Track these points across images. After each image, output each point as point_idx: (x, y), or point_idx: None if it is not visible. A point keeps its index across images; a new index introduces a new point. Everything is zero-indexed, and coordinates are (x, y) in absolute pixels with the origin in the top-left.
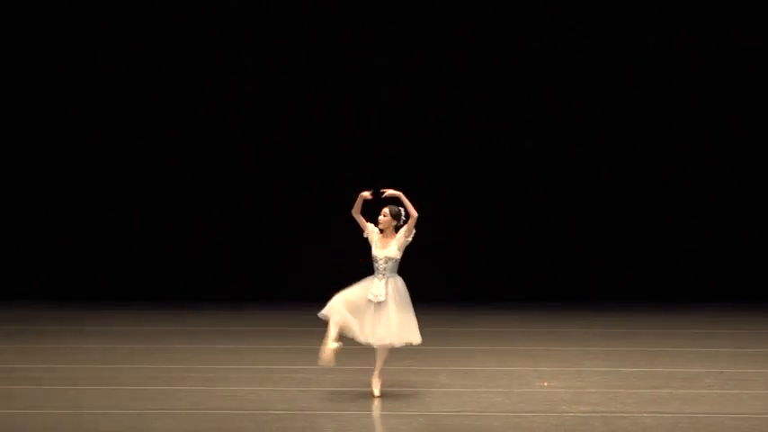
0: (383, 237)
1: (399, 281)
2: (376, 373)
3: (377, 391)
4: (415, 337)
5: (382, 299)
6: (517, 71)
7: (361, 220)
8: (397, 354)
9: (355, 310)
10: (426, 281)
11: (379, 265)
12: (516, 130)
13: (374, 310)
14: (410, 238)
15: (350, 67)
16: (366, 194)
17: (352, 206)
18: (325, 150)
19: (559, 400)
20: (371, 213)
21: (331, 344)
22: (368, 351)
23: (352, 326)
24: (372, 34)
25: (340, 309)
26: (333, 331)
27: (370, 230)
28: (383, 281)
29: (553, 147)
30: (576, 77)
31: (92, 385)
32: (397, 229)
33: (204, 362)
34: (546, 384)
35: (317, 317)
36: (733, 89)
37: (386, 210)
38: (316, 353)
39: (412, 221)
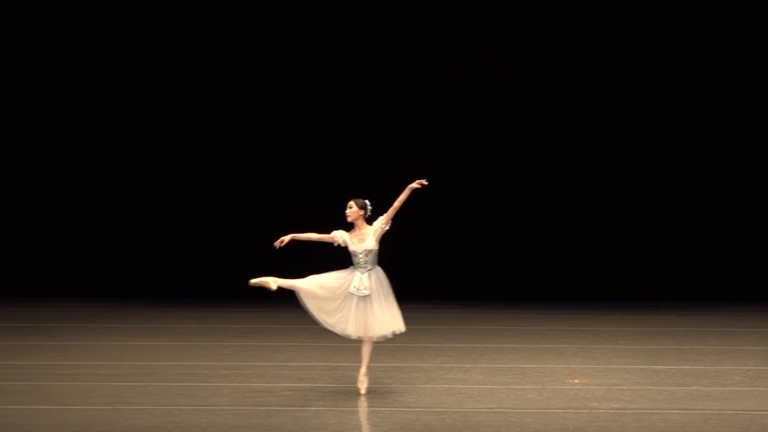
0: (355, 231)
1: (380, 271)
2: (364, 370)
3: (364, 390)
4: (400, 325)
5: (367, 292)
6: (514, 68)
7: (324, 237)
8: (431, 352)
9: (329, 297)
10: (456, 279)
11: (360, 259)
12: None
13: (357, 304)
14: (388, 227)
15: (331, 63)
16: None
17: (302, 241)
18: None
19: (590, 397)
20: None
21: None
22: (399, 349)
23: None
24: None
25: (310, 289)
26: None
27: (338, 237)
28: (365, 274)
29: (586, 145)
30: (575, 76)
31: (131, 382)
32: (368, 220)
33: (242, 359)
34: (577, 381)
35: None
36: (732, 89)
37: (351, 203)
38: (352, 350)
39: (393, 211)
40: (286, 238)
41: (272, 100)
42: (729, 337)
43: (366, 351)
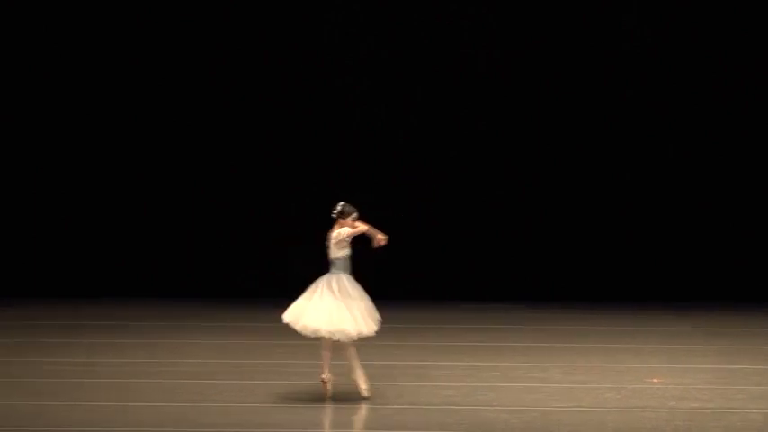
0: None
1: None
2: (360, 370)
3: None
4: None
5: (350, 294)
6: (514, 68)
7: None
8: (510, 351)
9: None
10: (535, 279)
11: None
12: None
13: (339, 305)
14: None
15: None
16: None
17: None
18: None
19: (669, 396)
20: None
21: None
22: (478, 348)
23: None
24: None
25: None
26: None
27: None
28: (344, 277)
29: (586, 145)
30: (575, 76)
31: (216, 379)
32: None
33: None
34: (656, 380)
35: None
36: (732, 89)
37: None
38: (436, 350)
39: (353, 232)
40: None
41: (272, 100)
42: None
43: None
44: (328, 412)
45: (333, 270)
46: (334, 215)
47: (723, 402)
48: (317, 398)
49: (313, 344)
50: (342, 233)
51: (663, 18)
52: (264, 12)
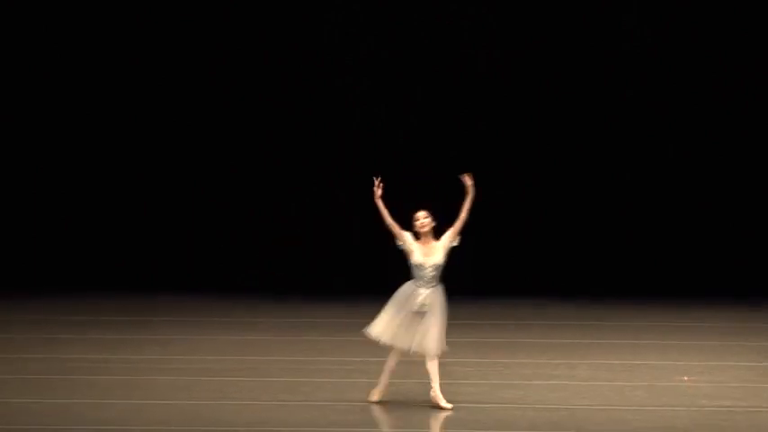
0: (423, 242)
1: (442, 289)
2: (435, 386)
3: (447, 404)
4: (444, 346)
5: (426, 309)
6: (514, 68)
7: (395, 228)
8: (538, 347)
9: (402, 330)
10: (558, 273)
11: (427, 273)
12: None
13: (420, 321)
14: (456, 242)
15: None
16: (378, 192)
17: (380, 216)
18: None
19: (700, 395)
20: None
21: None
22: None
23: (401, 348)
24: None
25: (389, 341)
26: (384, 380)
27: (407, 239)
28: (430, 290)
29: (586, 145)
30: (575, 76)
31: (234, 377)
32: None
33: (341, 354)
34: (687, 379)
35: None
36: (732, 89)
37: (424, 213)
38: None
39: (459, 224)
40: (379, 192)
41: (272, 100)
42: None
43: (432, 368)
44: (353, 411)
45: (437, 282)
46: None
47: (756, 401)
48: (337, 397)
49: (335, 341)
50: (450, 236)
51: (663, 18)
52: (264, 12)
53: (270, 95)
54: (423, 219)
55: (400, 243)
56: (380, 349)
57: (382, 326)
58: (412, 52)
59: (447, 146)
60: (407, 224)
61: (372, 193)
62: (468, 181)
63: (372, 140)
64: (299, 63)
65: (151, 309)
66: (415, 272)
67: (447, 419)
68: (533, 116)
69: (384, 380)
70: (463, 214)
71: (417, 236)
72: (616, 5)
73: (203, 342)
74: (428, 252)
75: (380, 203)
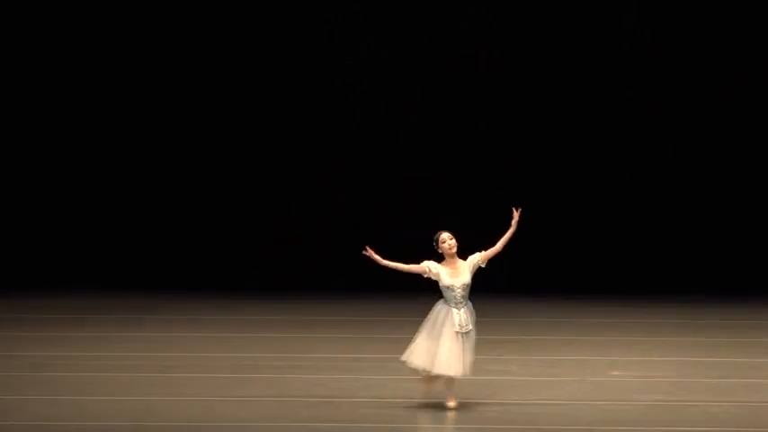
0: (449, 264)
1: (471, 306)
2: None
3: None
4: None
5: (470, 327)
6: (514, 68)
7: (415, 268)
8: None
9: (447, 356)
10: (499, 272)
11: (458, 293)
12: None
13: (464, 341)
14: (484, 265)
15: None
16: (375, 257)
17: (396, 272)
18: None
19: (630, 389)
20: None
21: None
22: None
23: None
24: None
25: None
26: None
27: (431, 269)
28: (462, 309)
29: (586, 145)
30: (575, 76)
31: (178, 373)
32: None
33: (288, 350)
34: (616, 373)
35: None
36: (732, 89)
37: (449, 234)
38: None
39: (492, 253)
40: (375, 256)
41: (272, 100)
42: (763, 328)
43: (450, 384)
44: (341, 408)
45: (467, 300)
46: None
47: (685, 395)
48: (282, 393)
49: (282, 337)
50: (480, 258)
51: (663, 18)
52: (264, 12)
53: (270, 95)
54: (449, 240)
55: (426, 276)
56: (328, 345)
57: (424, 354)
58: (412, 52)
59: (447, 146)
60: (409, 225)
61: (373, 263)
62: (516, 216)
63: (372, 140)
64: (299, 63)
65: (144, 307)
66: (446, 294)
67: (385, 415)
68: (533, 116)
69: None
70: (499, 246)
71: (440, 258)
72: (616, 5)
73: (149, 339)
74: (455, 273)
75: (386, 262)
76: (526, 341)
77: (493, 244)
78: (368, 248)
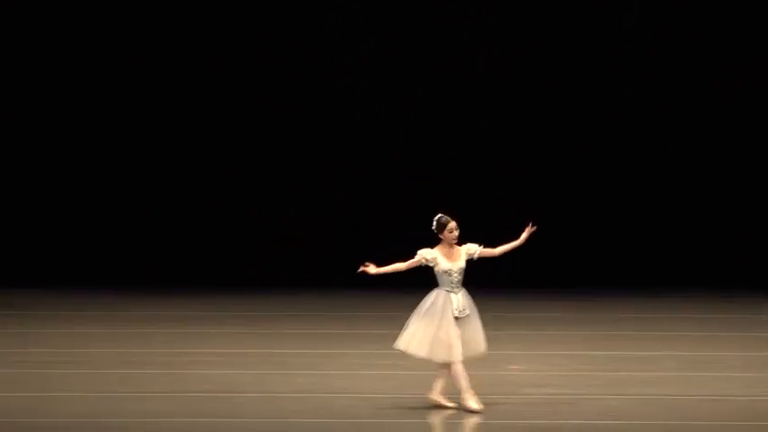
0: (445, 248)
1: (465, 290)
2: (467, 386)
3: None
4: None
5: (469, 311)
6: (514, 68)
7: (412, 263)
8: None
9: (449, 342)
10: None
11: (454, 278)
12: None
13: (464, 324)
14: (476, 258)
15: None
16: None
17: (395, 273)
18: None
19: (526, 384)
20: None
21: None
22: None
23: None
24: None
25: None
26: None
27: (426, 257)
28: (459, 293)
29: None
30: (575, 76)
31: (65, 369)
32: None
33: (178, 346)
34: (516, 368)
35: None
36: (732, 89)
37: (455, 224)
38: (286, 336)
39: (489, 253)
40: (371, 270)
41: (272, 100)
42: (663, 322)
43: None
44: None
45: (461, 285)
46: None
47: (580, 389)
48: (171, 388)
49: (171, 333)
50: (478, 249)
51: (663, 18)
52: (264, 12)
53: (270, 95)
54: (456, 231)
55: (426, 264)
56: (212, 340)
57: (426, 343)
58: (412, 52)
59: (447, 146)
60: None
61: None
62: (527, 232)
63: (372, 140)
64: (299, 63)
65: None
66: (443, 278)
67: (270, 409)
68: (533, 116)
69: (442, 383)
70: (498, 251)
71: (436, 244)
72: (616, 5)
73: (31, 335)
74: (452, 258)
75: (384, 270)
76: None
77: (494, 244)
78: (366, 264)
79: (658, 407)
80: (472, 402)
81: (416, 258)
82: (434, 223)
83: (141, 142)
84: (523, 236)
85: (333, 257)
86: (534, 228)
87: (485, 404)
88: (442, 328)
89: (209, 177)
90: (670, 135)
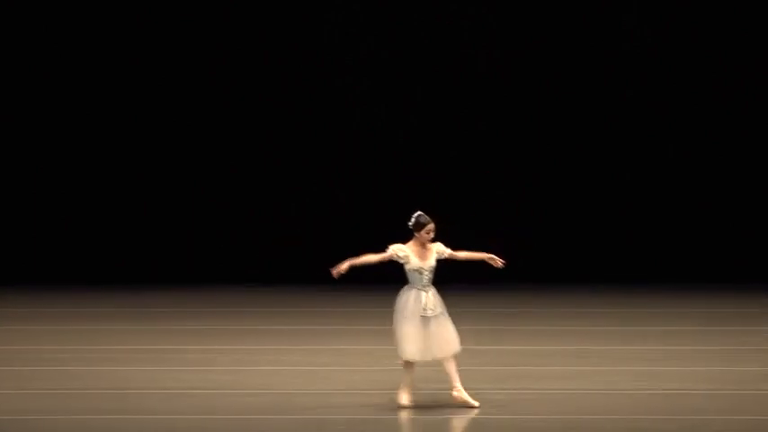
0: (417, 247)
1: (434, 289)
2: (458, 385)
3: (474, 402)
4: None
5: (439, 310)
6: (514, 68)
7: (384, 256)
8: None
9: (423, 342)
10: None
11: (425, 276)
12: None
13: (434, 324)
14: (444, 258)
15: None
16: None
17: (367, 265)
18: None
19: (420, 379)
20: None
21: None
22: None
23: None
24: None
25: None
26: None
27: (402, 253)
28: (429, 292)
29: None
30: (575, 76)
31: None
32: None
33: (61, 342)
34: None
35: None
36: (732, 89)
37: (428, 218)
38: (182, 333)
39: (455, 256)
40: (344, 266)
41: (272, 100)
42: (567, 317)
43: (450, 367)
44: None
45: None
46: (410, 226)
47: (465, 384)
48: (55, 386)
49: (58, 330)
50: (447, 251)
51: (663, 18)
52: (264, 12)
53: (270, 95)
54: (432, 232)
55: (395, 260)
56: (100, 337)
57: (412, 345)
58: (412, 52)
59: (447, 146)
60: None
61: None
62: (492, 260)
63: (372, 140)
64: (299, 63)
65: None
66: (413, 276)
67: (165, 407)
68: (533, 116)
69: (409, 384)
70: (462, 256)
71: (408, 241)
72: (616, 5)
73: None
74: (424, 256)
75: (355, 262)
76: (307, 331)
77: (465, 249)
78: (333, 270)
79: (551, 401)
80: (404, 398)
81: (388, 253)
82: (412, 220)
83: (141, 142)
84: (486, 257)
85: (333, 257)
86: (500, 264)
87: (368, 399)
88: (407, 326)
89: (210, 177)
90: (670, 135)
